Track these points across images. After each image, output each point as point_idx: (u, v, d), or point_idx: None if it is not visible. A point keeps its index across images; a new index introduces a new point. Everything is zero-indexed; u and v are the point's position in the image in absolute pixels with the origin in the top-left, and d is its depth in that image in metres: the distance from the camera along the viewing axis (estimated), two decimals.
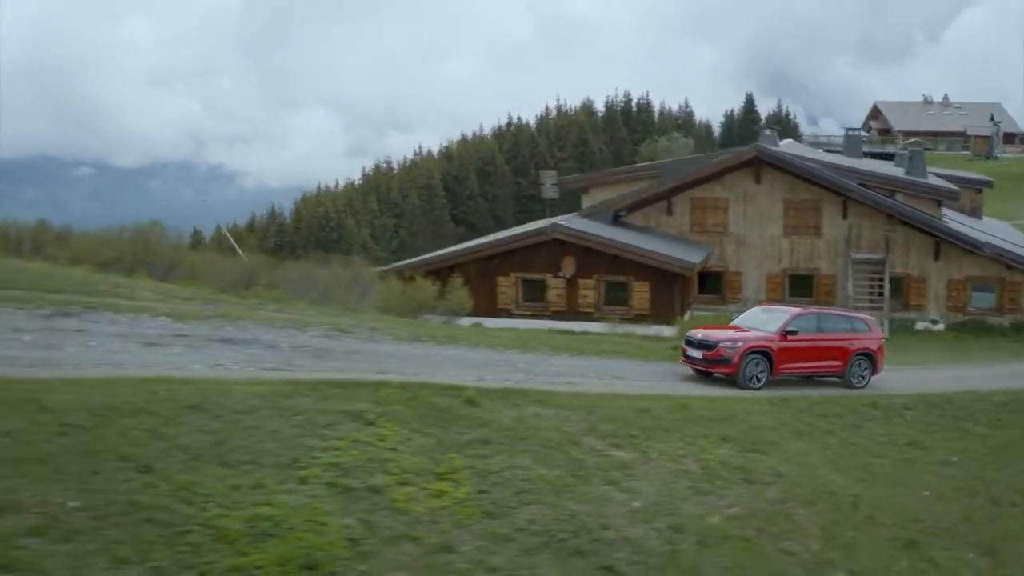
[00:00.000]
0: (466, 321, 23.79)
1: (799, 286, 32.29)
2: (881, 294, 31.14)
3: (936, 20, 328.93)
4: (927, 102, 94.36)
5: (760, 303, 30.14)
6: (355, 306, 21.40)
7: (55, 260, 22.86)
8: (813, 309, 18.75)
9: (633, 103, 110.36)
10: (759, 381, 16.49)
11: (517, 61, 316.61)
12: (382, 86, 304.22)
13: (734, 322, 18.58)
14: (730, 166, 31.79)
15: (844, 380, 17.55)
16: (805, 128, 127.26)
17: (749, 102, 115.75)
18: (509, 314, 28.40)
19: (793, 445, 15.35)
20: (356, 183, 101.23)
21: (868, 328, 18.21)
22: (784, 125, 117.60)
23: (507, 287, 29.00)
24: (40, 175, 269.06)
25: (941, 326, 32.02)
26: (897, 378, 20.65)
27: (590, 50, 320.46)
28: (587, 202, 34.08)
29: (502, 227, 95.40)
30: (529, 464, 12.12)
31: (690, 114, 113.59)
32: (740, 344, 16.44)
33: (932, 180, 34.96)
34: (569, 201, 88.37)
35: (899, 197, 32.76)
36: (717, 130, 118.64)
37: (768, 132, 42.03)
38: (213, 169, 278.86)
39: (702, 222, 32.11)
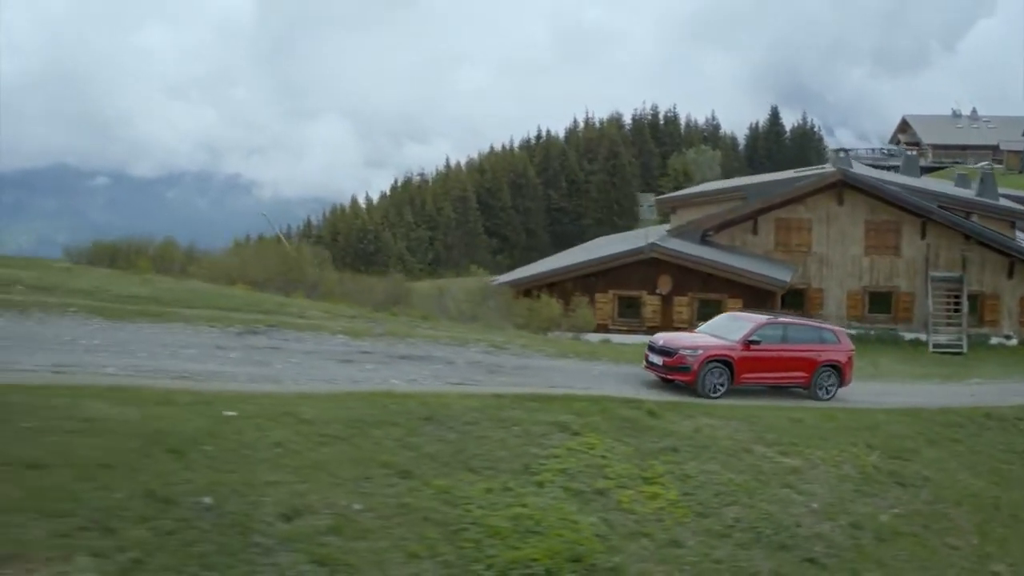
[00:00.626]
0: (593, 337, 24.79)
1: (879, 303, 33.34)
2: (959, 311, 32.16)
3: (951, 30, 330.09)
4: (955, 115, 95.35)
5: (842, 319, 31.24)
6: (494, 323, 22.45)
7: (193, 277, 23.96)
8: (781, 319, 18.11)
9: (660, 116, 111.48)
10: (718, 390, 16.08)
11: (533, 70, 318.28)
12: (398, 96, 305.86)
13: (700, 329, 18.37)
14: (814, 189, 32.86)
15: (810, 391, 17.13)
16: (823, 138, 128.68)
17: (774, 114, 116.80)
18: (606, 329, 29.34)
19: (929, 452, 16.56)
20: (385, 194, 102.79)
21: (837, 340, 17.75)
22: (808, 138, 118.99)
23: (604, 303, 30.00)
24: (58, 185, 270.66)
25: (1014, 341, 33.12)
26: (992, 391, 21.94)
27: (606, 60, 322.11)
28: (675, 221, 35.11)
29: (534, 240, 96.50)
30: (718, 469, 13.43)
31: (716, 127, 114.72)
32: (700, 352, 16.08)
33: (1003, 202, 36.08)
34: (612, 219, 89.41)
35: (974, 218, 33.90)
36: (742, 142, 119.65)
37: (843, 154, 43.02)
38: (230, 179, 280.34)
39: (786, 242, 33.17)
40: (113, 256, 24.36)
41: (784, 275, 30.77)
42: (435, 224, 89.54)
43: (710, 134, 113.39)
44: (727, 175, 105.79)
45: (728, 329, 17.16)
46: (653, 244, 29.99)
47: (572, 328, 23.70)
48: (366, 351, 17.21)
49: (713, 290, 29.99)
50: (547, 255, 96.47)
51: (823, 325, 18.84)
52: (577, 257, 31.93)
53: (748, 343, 16.43)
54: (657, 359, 16.61)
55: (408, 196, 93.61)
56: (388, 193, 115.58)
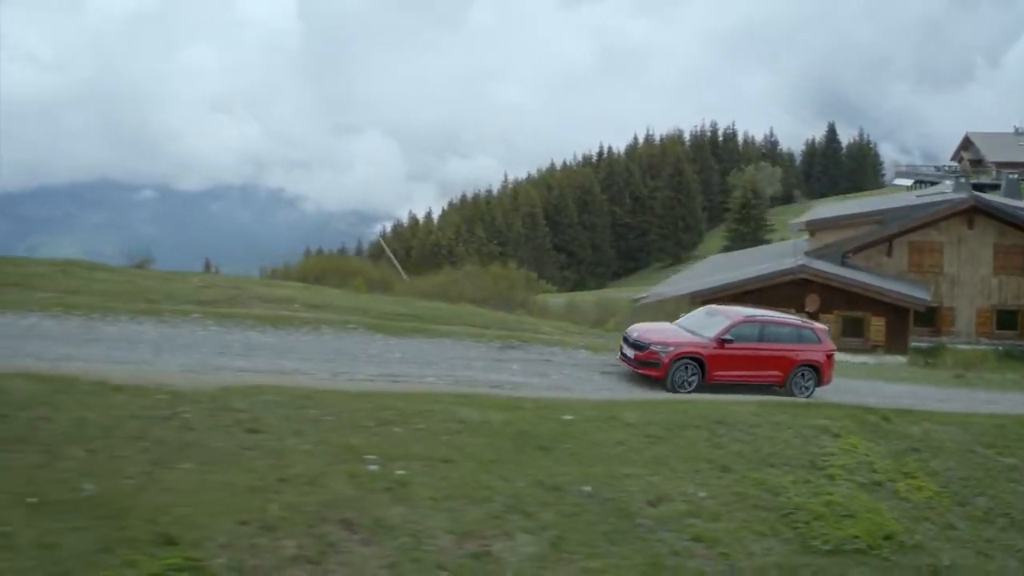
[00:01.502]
0: None
1: (1006, 320, 34.89)
2: None
3: (995, 45, 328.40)
4: (1018, 133, 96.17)
5: (971, 335, 32.74)
6: None
7: (403, 295, 25.87)
8: (759, 316, 17.32)
9: (719, 132, 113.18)
10: (689, 387, 15.73)
11: (575, 86, 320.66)
12: (440, 111, 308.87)
13: (678, 322, 17.75)
14: (948, 214, 34.52)
15: (786, 390, 16.56)
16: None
17: (831, 131, 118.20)
18: None
19: None
20: (443, 209, 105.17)
21: (818, 339, 17.15)
22: (864, 154, 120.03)
23: None
24: (104, 198, 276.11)
25: None
26: None
27: (647, 74, 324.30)
28: (813, 244, 36.80)
29: (600, 255, 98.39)
30: (955, 466, 14.83)
31: (774, 143, 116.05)
32: (672, 349, 15.79)
33: None
34: (678, 234, 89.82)
35: None
36: (796, 157, 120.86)
37: (963, 180, 44.55)
38: (273, 193, 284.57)
39: (919, 263, 34.83)
40: (320, 273, 26.33)
41: (923, 294, 32.41)
42: (505, 240, 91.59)
43: (768, 151, 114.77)
44: (786, 191, 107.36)
45: (704, 325, 16.77)
46: (803, 265, 31.70)
47: None
48: (615, 364, 19.12)
49: (857, 308, 31.66)
50: (613, 270, 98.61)
51: (804, 324, 17.91)
52: (726, 276, 33.66)
53: (721, 341, 15.99)
54: (629, 352, 16.33)
55: (477, 212, 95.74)
56: (445, 208, 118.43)
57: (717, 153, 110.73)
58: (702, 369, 15.85)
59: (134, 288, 19.25)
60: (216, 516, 8.59)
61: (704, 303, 27.63)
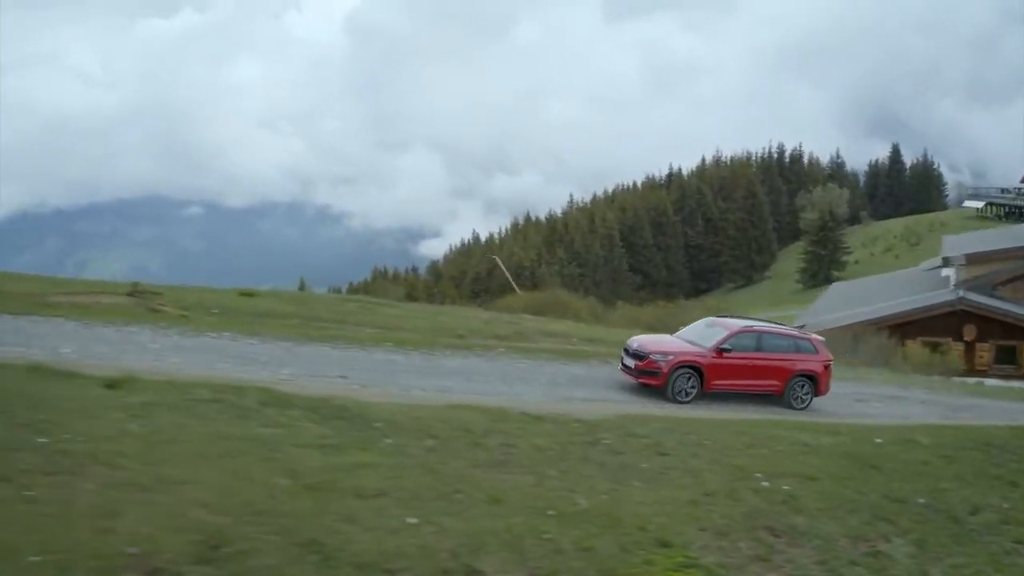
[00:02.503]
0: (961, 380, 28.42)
1: None
2: None
3: None
4: None
5: None
6: (899, 367, 26.24)
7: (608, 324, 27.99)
8: (757, 327, 17.54)
9: (786, 154, 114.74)
10: (688, 396, 15.98)
11: (622, 103, 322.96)
12: (487, 127, 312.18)
13: (678, 334, 17.98)
14: None
15: (784, 400, 16.80)
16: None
17: (895, 152, 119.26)
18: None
19: None
20: (504, 229, 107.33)
21: (815, 349, 17.34)
22: (928, 175, 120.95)
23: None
24: (152, 214, 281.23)
25: None
26: None
27: (693, 90, 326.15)
28: (963, 275, 38.39)
29: (674, 276, 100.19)
30: None
31: (840, 164, 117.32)
32: (671, 358, 16.03)
33: None
34: (751, 256, 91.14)
35: None
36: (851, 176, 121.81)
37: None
38: (320, 210, 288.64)
39: None
40: (540, 306, 28.53)
41: None
42: (584, 261, 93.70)
43: (835, 171, 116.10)
44: (852, 212, 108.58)
45: (703, 335, 17.04)
46: (962, 297, 33.49)
47: (943, 372, 27.27)
48: (872, 391, 21.19)
49: (1012, 337, 33.38)
50: (685, 291, 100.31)
51: (801, 335, 18.10)
52: (884, 306, 35.44)
53: (720, 350, 16.26)
54: (630, 362, 16.56)
55: (554, 233, 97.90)
56: (508, 229, 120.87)
57: (784, 174, 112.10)
58: (701, 378, 16.07)
59: (436, 323, 21.45)
60: (682, 524, 10.32)
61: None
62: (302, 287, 71.17)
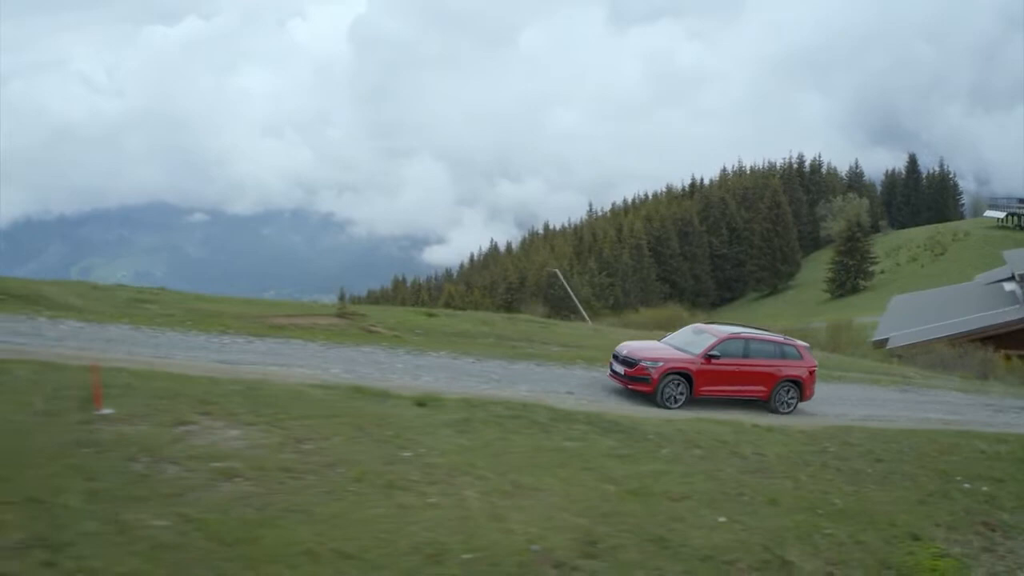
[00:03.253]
0: None
1: None
2: None
3: None
4: None
5: None
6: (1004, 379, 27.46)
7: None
8: (744, 333, 17.73)
9: (806, 164, 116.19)
10: (677, 402, 16.12)
11: (626, 111, 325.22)
12: (491, 135, 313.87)
13: (665, 340, 18.15)
14: None
15: (770, 406, 16.95)
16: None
17: (912, 162, 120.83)
18: None
19: None
20: (524, 237, 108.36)
21: (800, 355, 17.55)
22: (945, 185, 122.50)
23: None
24: (157, 221, 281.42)
25: None
26: None
27: (697, 98, 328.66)
28: None
29: (700, 285, 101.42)
30: None
31: (859, 174, 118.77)
32: (661, 364, 16.13)
33: None
34: (776, 265, 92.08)
35: None
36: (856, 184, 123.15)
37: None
38: (324, 217, 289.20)
39: None
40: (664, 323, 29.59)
41: None
42: (613, 271, 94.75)
43: (853, 181, 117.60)
44: (872, 221, 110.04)
45: (691, 342, 17.20)
46: None
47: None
48: (1003, 403, 22.32)
49: None
50: (712, 300, 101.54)
51: (787, 340, 18.26)
52: (962, 323, 36.56)
53: (708, 357, 16.42)
54: (620, 368, 16.66)
55: (582, 243, 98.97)
56: (527, 238, 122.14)
57: (804, 184, 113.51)
58: (690, 384, 16.24)
59: (610, 341, 22.45)
60: (920, 520, 11.66)
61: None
62: (341, 297, 72.05)
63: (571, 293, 48.22)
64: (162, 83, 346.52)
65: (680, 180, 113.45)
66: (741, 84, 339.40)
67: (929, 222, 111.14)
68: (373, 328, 18.57)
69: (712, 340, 16.84)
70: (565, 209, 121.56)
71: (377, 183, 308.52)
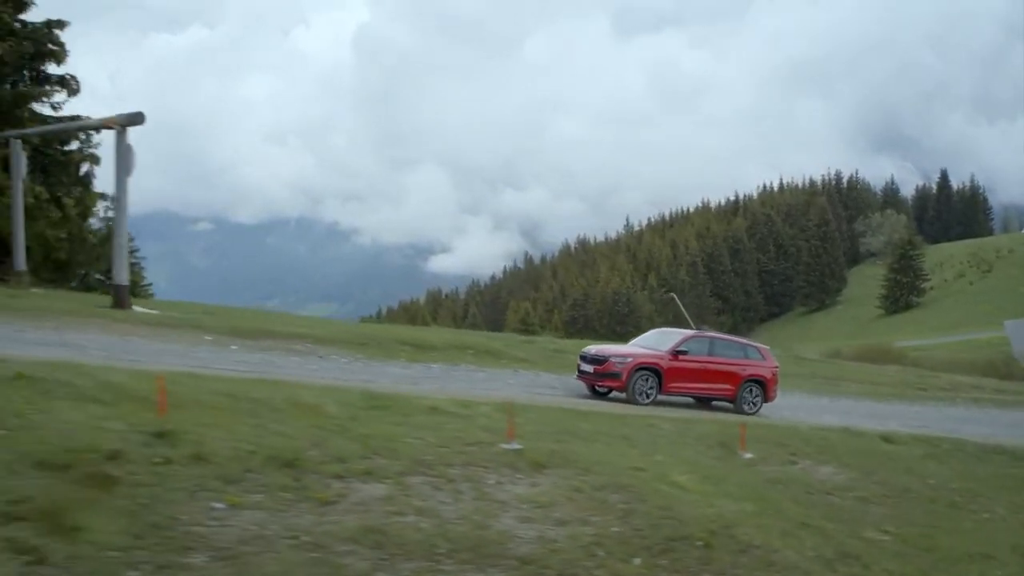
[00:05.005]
0: None
1: None
2: None
3: None
4: None
5: None
6: None
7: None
8: (708, 334, 18.23)
9: (843, 180, 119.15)
10: (648, 397, 16.21)
11: (629, 119, 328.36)
12: (494, 143, 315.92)
13: (631, 342, 18.36)
14: None
15: (735, 405, 17.14)
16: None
17: (943, 177, 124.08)
18: None
19: None
20: (554, 253, 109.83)
21: (762, 357, 17.85)
22: (975, 199, 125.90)
23: None
24: (161, 229, 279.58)
25: None
26: None
27: (702, 106, 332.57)
28: None
29: (750, 300, 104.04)
30: None
31: (895, 190, 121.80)
32: (630, 360, 16.24)
33: None
34: (824, 281, 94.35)
35: None
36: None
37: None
38: (329, 226, 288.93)
39: None
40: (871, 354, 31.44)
41: None
42: (671, 287, 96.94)
43: (889, 197, 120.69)
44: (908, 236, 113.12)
45: (657, 342, 17.42)
46: None
47: None
48: None
49: None
50: (760, 314, 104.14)
51: (748, 342, 18.82)
52: None
53: (676, 353, 16.54)
54: (588, 367, 16.66)
55: (647, 259, 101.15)
56: (554, 258, 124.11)
57: (843, 200, 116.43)
58: (659, 380, 16.36)
59: (882, 378, 24.46)
60: None
61: None
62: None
63: (687, 317, 49.77)
64: (166, 91, 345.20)
65: (724, 195, 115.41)
66: (744, 92, 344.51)
67: (960, 237, 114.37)
68: None
69: (679, 337, 17.14)
70: (569, 217, 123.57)
71: (382, 191, 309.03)
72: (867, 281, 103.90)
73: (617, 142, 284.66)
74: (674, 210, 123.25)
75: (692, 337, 17.19)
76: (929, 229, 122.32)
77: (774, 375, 17.57)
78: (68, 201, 24.99)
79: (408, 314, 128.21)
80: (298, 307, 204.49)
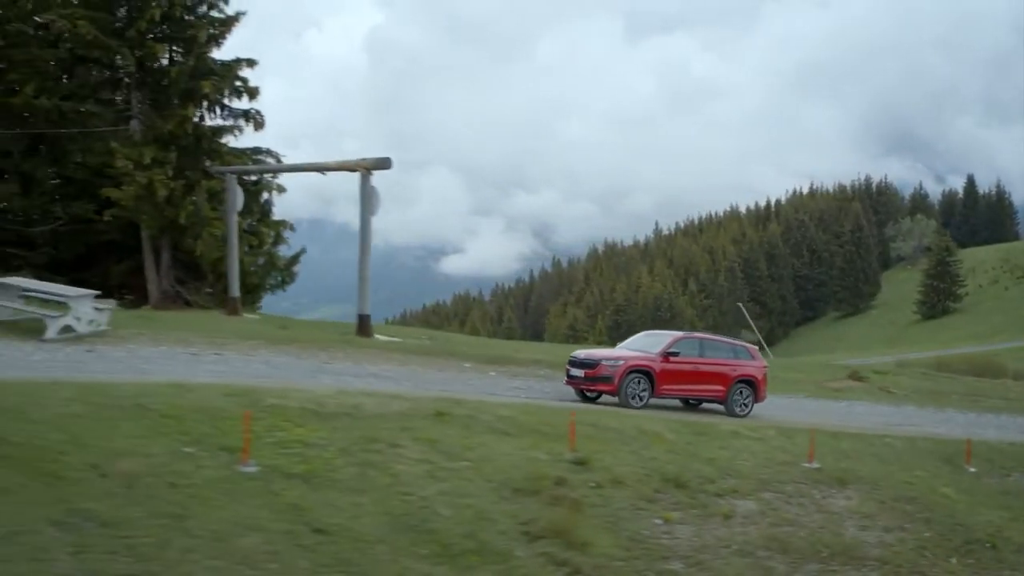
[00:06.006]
0: None
1: None
2: None
3: None
4: None
5: None
6: None
7: None
8: (697, 334, 18.10)
9: (873, 185, 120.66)
10: (641, 400, 15.74)
11: (638, 122, 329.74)
12: (505, 146, 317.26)
13: (619, 346, 17.96)
14: None
15: (727, 407, 16.68)
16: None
17: (970, 182, 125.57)
18: None
19: None
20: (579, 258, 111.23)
21: (751, 356, 17.47)
22: (1001, 204, 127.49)
23: None
24: None
25: None
26: None
27: (712, 109, 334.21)
28: None
29: (786, 305, 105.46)
30: None
31: (924, 195, 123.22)
32: (622, 363, 15.83)
33: None
34: (858, 286, 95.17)
35: None
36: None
37: None
38: (340, 228, 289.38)
39: None
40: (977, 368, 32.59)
41: None
42: (709, 292, 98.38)
43: (917, 202, 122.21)
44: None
45: (646, 344, 17.04)
46: None
47: None
48: None
49: None
50: (795, 318, 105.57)
51: (736, 342, 18.48)
52: None
53: (667, 355, 16.18)
54: (578, 372, 16.23)
55: (687, 265, 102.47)
56: (583, 262, 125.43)
57: (873, 205, 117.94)
58: (651, 383, 16.00)
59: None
60: None
61: None
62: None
63: (753, 326, 51.31)
64: None
65: (752, 201, 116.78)
66: (755, 95, 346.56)
67: (987, 242, 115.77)
68: (885, 388, 22.13)
69: (669, 339, 16.82)
70: (580, 219, 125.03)
71: (392, 193, 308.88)
72: (899, 286, 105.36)
73: (626, 144, 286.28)
74: (703, 214, 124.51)
75: (682, 338, 16.97)
76: (956, 233, 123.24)
77: (764, 375, 17.23)
78: (264, 229, 26.14)
79: (437, 317, 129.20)
80: (310, 309, 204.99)
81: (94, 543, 6.03)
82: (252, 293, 26.59)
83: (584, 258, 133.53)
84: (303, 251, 27.98)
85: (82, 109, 24.80)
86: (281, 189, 26.97)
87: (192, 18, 25.07)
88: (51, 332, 14.34)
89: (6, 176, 23.78)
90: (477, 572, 7.60)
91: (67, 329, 14.58)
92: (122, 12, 25.33)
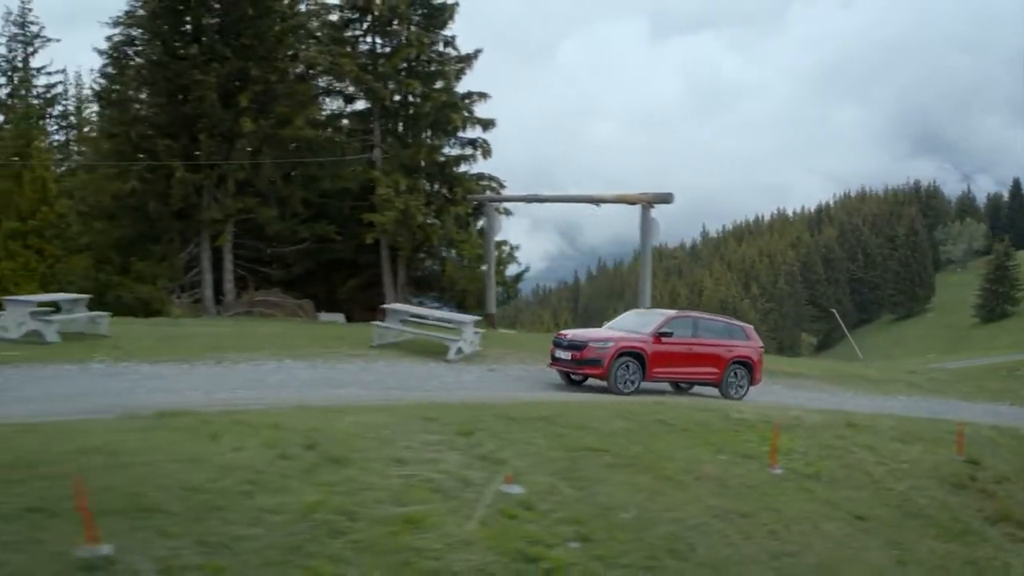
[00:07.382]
0: None
1: None
2: None
3: None
4: None
5: None
6: None
7: None
8: (691, 312, 17.00)
9: (922, 189, 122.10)
10: (632, 385, 14.64)
11: (665, 122, 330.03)
12: (530, 147, 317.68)
13: (608, 325, 16.72)
14: None
15: (721, 390, 15.63)
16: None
17: (1016, 186, 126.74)
18: None
19: None
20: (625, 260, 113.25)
21: (747, 336, 16.33)
22: None
23: None
24: None
25: None
26: None
27: (738, 109, 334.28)
28: None
29: (842, 308, 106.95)
30: None
31: (972, 199, 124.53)
32: (611, 344, 14.66)
33: None
34: (914, 290, 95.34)
35: None
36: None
37: None
38: None
39: None
40: None
41: None
42: (770, 296, 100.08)
43: (965, 205, 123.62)
44: (987, 244, 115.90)
45: (637, 323, 15.88)
46: None
47: None
48: None
49: None
50: (851, 321, 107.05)
51: (731, 320, 17.51)
52: None
53: (659, 335, 15.01)
54: (565, 354, 15.06)
55: (748, 269, 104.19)
56: (631, 260, 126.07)
57: (922, 209, 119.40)
58: (642, 366, 14.84)
59: None
60: None
61: None
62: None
63: (847, 332, 52.91)
64: None
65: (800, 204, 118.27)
66: (780, 95, 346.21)
67: None
68: None
69: (662, 318, 15.63)
70: (606, 219, 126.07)
71: None
72: (951, 289, 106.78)
73: (653, 145, 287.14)
74: (748, 217, 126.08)
75: (675, 317, 15.77)
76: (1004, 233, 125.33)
77: (759, 356, 16.15)
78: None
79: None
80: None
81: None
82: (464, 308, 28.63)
83: (628, 260, 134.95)
84: (527, 269, 29.77)
85: (337, 140, 26.81)
86: (508, 212, 28.82)
87: (434, 55, 26.99)
88: (451, 354, 16.27)
89: (268, 201, 25.69)
90: (977, 548, 9.85)
91: (459, 351, 16.51)
92: (363, 48, 27.34)
